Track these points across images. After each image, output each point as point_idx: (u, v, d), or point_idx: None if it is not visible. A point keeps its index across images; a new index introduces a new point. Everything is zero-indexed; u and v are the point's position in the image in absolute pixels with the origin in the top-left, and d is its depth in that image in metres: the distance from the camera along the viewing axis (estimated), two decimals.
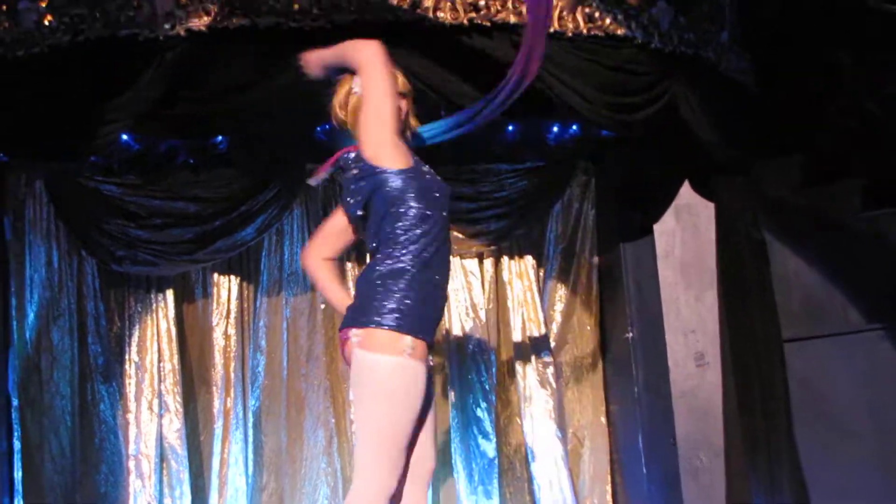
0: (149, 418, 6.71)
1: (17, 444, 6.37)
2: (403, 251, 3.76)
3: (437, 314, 3.89)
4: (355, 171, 3.90)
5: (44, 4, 5.10)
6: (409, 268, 3.74)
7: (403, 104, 4.07)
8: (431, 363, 3.83)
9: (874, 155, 6.26)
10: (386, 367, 3.66)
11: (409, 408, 3.69)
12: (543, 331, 7.16)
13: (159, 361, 6.77)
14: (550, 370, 7.12)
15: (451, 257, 4.00)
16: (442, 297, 3.91)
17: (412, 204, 3.79)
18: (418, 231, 3.78)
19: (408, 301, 3.71)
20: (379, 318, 3.68)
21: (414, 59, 5.26)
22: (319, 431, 6.90)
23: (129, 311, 6.81)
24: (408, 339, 3.67)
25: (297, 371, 6.96)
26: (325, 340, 7.00)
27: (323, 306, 6.99)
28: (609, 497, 7.11)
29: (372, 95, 3.87)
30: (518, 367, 7.13)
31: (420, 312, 3.73)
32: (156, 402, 6.72)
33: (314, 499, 6.86)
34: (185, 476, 6.70)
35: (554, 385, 7.11)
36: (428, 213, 3.80)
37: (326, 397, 6.94)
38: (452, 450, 7.01)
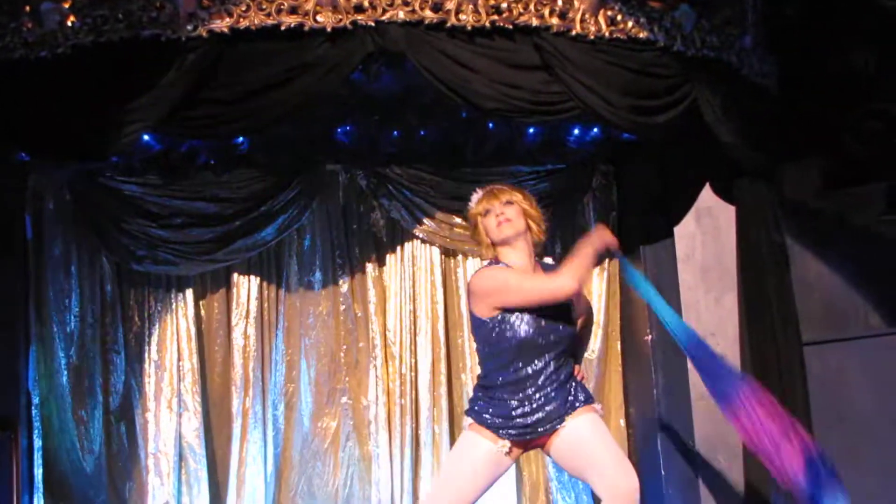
0: (168, 417, 6.74)
1: (37, 442, 6.40)
2: None
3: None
4: None
5: (67, 5, 5.12)
6: None
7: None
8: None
9: None
10: None
11: None
12: None
13: (178, 360, 6.79)
14: None
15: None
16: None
17: None
18: None
19: None
20: None
21: (435, 60, 5.27)
22: (339, 433, 6.91)
23: (148, 310, 6.83)
24: None
25: (316, 371, 6.96)
26: (346, 343, 7.01)
27: (343, 307, 7.00)
28: None
29: None
30: None
31: None
32: (175, 400, 6.74)
33: (333, 499, 6.88)
34: (204, 475, 6.73)
35: None
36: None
37: (346, 399, 6.96)
38: None
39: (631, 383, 7.16)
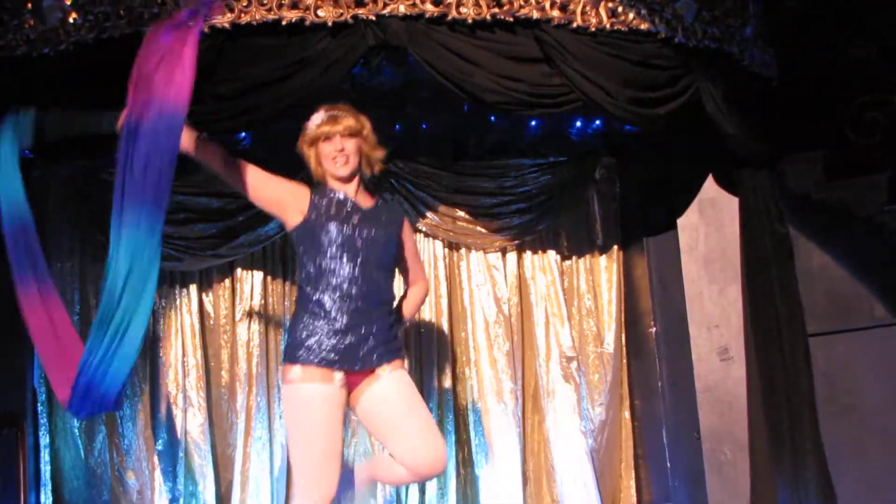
0: (173, 413, 6.74)
1: (43, 439, 6.41)
2: None
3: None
4: None
5: (68, 2, 5.14)
6: None
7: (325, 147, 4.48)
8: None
9: None
10: None
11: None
12: (566, 325, 7.14)
13: (183, 356, 6.80)
14: (574, 364, 7.11)
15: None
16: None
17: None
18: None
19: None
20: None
21: (436, 54, 5.27)
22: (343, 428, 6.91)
23: (152, 306, 6.80)
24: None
25: None
26: None
27: None
28: (633, 491, 7.09)
29: None
30: (541, 361, 7.12)
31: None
32: (179, 396, 6.75)
33: None
34: (209, 471, 6.73)
35: (577, 379, 7.10)
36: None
37: None
38: (475, 443, 7.01)
39: (635, 376, 7.16)
